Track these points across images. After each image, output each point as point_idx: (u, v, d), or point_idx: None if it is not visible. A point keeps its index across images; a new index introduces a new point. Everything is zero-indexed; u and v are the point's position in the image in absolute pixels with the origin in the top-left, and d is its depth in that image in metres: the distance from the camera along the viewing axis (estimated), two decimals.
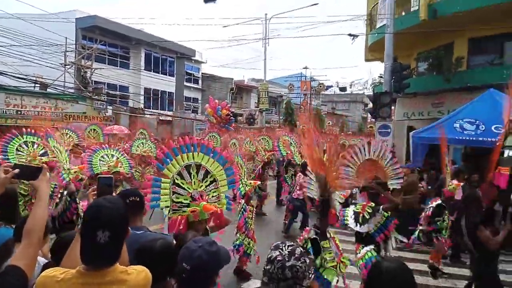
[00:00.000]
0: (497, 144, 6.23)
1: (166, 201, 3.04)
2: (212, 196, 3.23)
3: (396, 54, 12.87)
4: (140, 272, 1.75)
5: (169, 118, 27.78)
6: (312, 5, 24.18)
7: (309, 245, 3.40)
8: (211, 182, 3.25)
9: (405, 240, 5.32)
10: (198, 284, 1.81)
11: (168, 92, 31.11)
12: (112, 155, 6.13)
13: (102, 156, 5.93)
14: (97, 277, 1.63)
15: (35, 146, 5.11)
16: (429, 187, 8.70)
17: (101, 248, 1.61)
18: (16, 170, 2.02)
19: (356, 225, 4.63)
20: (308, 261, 1.79)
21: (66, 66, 21.62)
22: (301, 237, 3.60)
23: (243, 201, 5.72)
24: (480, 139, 8.27)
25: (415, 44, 14.89)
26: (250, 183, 5.78)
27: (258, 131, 17.70)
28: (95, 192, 2.19)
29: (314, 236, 3.44)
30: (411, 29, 12.98)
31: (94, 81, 23.34)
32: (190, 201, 3.09)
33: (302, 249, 1.82)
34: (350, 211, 4.79)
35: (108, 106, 22.29)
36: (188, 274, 1.78)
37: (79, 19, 24.23)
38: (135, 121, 21.96)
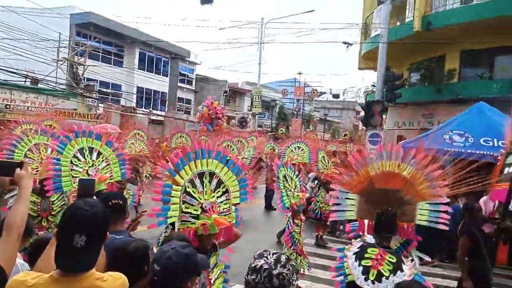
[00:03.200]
0: (499, 160, 6.36)
1: (175, 210, 2.79)
2: (223, 209, 2.98)
3: (389, 63, 12.98)
4: (117, 279, 1.70)
5: (160, 118, 27.64)
6: (308, 11, 24.43)
7: None
8: (223, 193, 3.01)
9: (427, 258, 4.61)
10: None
11: (161, 92, 30.97)
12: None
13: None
14: (72, 283, 1.58)
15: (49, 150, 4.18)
16: None
17: (77, 253, 1.56)
18: None
19: None
20: (292, 268, 1.76)
21: (59, 62, 21.41)
22: None
23: (289, 214, 5.35)
24: (469, 151, 8.34)
25: (408, 55, 15.05)
26: (298, 195, 5.31)
27: (249, 135, 17.72)
28: (75, 194, 2.14)
29: None
30: (404, 40, 13.14)
31: (87, 78, 23.14)
32: (200, 212, 2.84)
33: (286, 256, 1.79)
34: None
35: (99, 104, 22.08)
36: (158, 276, 1.74)
37: (74, 15, 24.02)
38: (126, 120, 21.79)
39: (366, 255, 2.88)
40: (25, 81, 19.31)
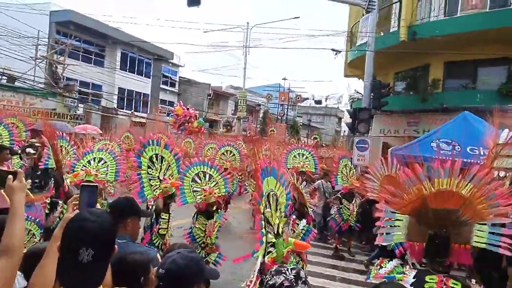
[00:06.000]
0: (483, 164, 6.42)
1: (263, 243, 2.34)
2: (282, 227, 2.61)
3: (375, 72, 13.12)
4: None
5: (142, 120, 27.14)
6: (294, 18, 24.52)
7: None
8: (280, 211, 2.60)
9: None
10: None
11: (143, 93, 30.46)
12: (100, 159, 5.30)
13: (88, 161, 5.17)
14: None
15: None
16: None
17: (83, 269, 1.41)
18: None
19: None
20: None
21: (37, 60, 20.72)
22: None
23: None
24: (456, 159, 8.42)
25: (393, 64, 15.25)
26: None
27: (235, 138, 17.52)
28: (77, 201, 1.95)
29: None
30: (391, 49, 13.29)
31: (66, 77, 22.49)
32: (276, 238, 2.45)
33: (305, 272, 1.77)
34: None
35: (79, 104, 21.48)
36: (164, 280, 1.70)
37: (54, 12, 23.37)
38: (107, 121, 21.28)
39: (426, 285, 2.56)
40: (0, 79, 18.59)
